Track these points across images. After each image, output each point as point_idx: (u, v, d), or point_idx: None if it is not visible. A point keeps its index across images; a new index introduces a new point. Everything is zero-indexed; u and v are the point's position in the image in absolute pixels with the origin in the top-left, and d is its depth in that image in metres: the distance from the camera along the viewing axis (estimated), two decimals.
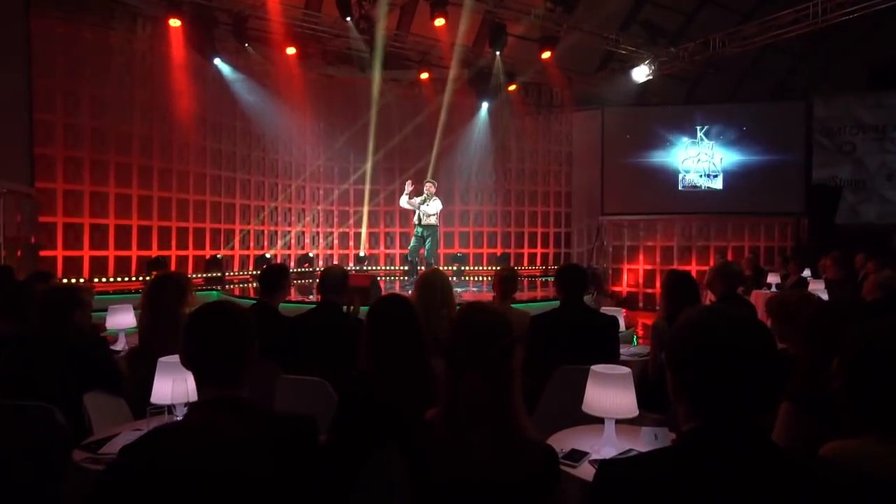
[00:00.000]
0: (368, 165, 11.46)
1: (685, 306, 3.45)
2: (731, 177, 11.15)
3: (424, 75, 10.31)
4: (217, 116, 9.50)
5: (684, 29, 10.89)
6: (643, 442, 2.14)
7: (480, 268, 11.60)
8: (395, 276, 11.18)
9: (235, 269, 9.84)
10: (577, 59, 10.77)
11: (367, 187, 11.57)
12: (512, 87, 10.87)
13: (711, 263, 10.44)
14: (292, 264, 10.86)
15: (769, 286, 8.02)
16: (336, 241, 11.56)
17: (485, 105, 11.29)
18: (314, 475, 1.43)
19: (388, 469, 1.63)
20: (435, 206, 8.66)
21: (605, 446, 2.10)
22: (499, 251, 11.83)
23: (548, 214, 12.12)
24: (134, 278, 8.32)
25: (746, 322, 1.12)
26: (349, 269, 11.20)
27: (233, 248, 9.89)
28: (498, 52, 9.66)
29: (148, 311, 3.15)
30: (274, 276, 3.50)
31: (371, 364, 1.96)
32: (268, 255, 10.37)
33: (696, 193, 11.26)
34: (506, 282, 3.92)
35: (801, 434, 1.81)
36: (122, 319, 4.00)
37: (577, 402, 2.22)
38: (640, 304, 11.26)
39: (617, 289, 11.67)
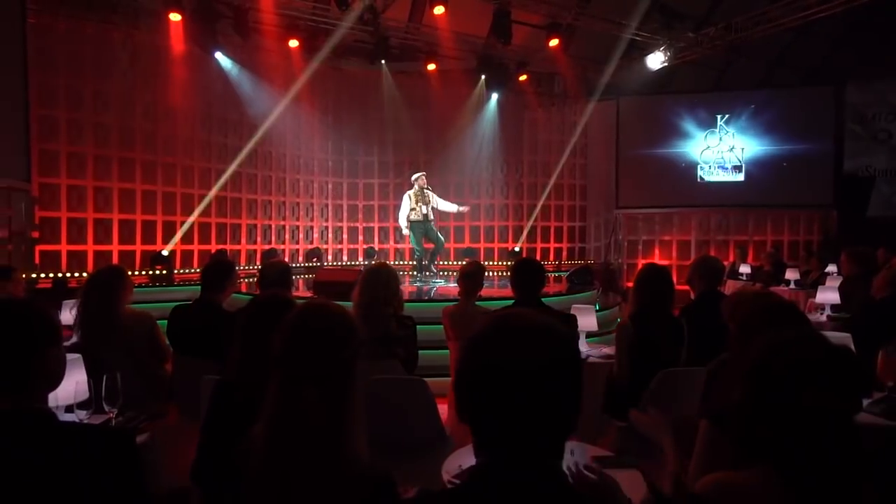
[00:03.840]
0: (377, 159, 11.34)
1: (655, 305, 3.21)
2: (753, 168, 10.58)
3: (432, 66, 10.08)
4: (222, 111, 9.48)
5: (710, 14, 10.35)
6: None
7: (492, 263, 11.33)
8: (403, 272, 11.02)
9: (242, 263, 9.82)
10: (591, 47, 10.36)
11: (377, 181, 11.46)
12: (523, 78, 10.57)
13: (731, 258, 9.97)
14: (301, 259, 10.83)
15: (787, 283, 7.58)
16: (345, 236, 11.48)
17: (495, 96, 11.02)
18: (130, 496, 1.28)
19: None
20: (436, 196, 8.50)
21: None
22: (510, 246, 11.55)
23: (562, 208, 11.77)
24: (138, 273, 8.37)
25: (534, 332, 0.89)
26: (358, 263, 11.12)
27: (239, 243, 9.89)
28: (507, 42, 9.35)
29: (82, 308, 3.06)
30: (218, 272, 3.35)
31: (237, 375, 1.76)
32: (277, 251, 10.36)
33: (715, 185, 10.73)
34: (469, 277, 3.70)
35: (715, 457, 1.56)
36: (62, 317, 3.91)
37: None
38: None
39: (631, 285, 11.24)
